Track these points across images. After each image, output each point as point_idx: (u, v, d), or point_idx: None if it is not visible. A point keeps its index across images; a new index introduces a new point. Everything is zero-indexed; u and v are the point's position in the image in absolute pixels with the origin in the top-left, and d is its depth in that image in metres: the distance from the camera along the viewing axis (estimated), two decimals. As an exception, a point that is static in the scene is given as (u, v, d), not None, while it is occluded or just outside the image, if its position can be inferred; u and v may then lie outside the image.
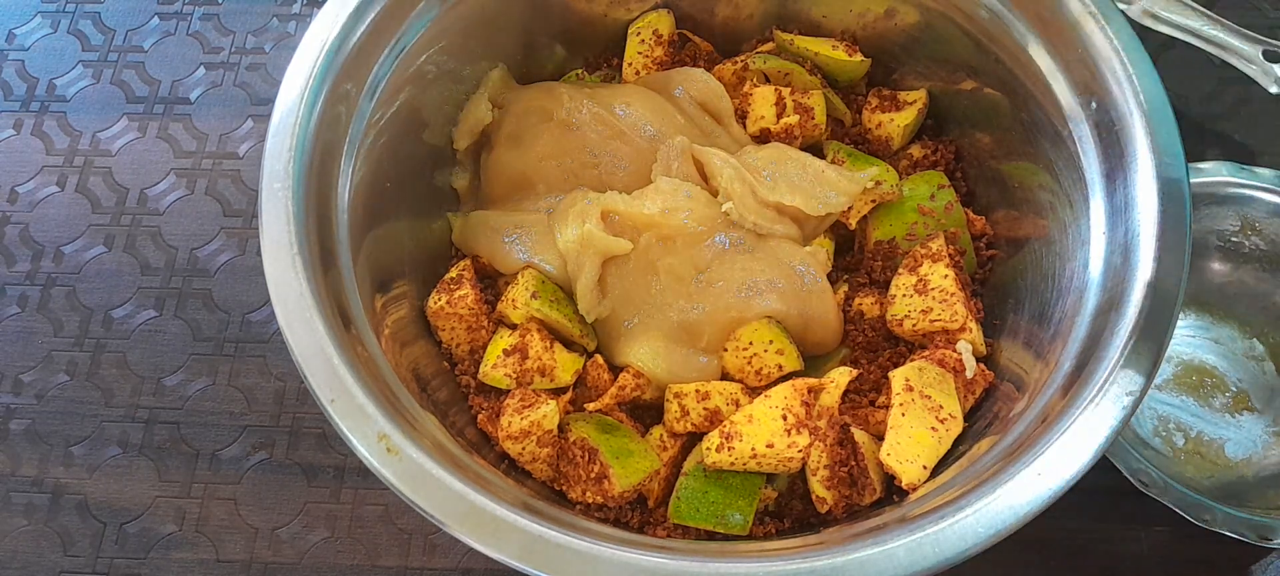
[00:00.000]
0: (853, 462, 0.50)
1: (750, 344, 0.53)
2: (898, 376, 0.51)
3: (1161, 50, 0.72)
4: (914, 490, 0.48)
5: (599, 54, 0.66)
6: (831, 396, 0.52)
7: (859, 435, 0.51)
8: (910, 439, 0.49)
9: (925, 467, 0.48)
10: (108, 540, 0.60)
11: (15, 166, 0.72)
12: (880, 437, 0.50)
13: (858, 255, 0.59)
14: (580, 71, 0.66)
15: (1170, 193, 0.45)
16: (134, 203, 0.70)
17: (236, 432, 0.63)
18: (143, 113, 0.74)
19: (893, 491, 0.50)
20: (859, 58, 0.62)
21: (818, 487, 0.50)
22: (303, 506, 0.60)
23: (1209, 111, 0.70)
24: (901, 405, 0.50)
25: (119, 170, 0.72)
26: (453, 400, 0.54)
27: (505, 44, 0.61)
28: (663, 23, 0.64)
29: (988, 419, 0.51)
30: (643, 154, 0.57)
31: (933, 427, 0.49)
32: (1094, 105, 0.49)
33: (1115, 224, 0.47)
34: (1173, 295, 0.43)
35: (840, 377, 0.52)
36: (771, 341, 0.53)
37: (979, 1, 0.55)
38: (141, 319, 0.66)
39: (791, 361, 0.53)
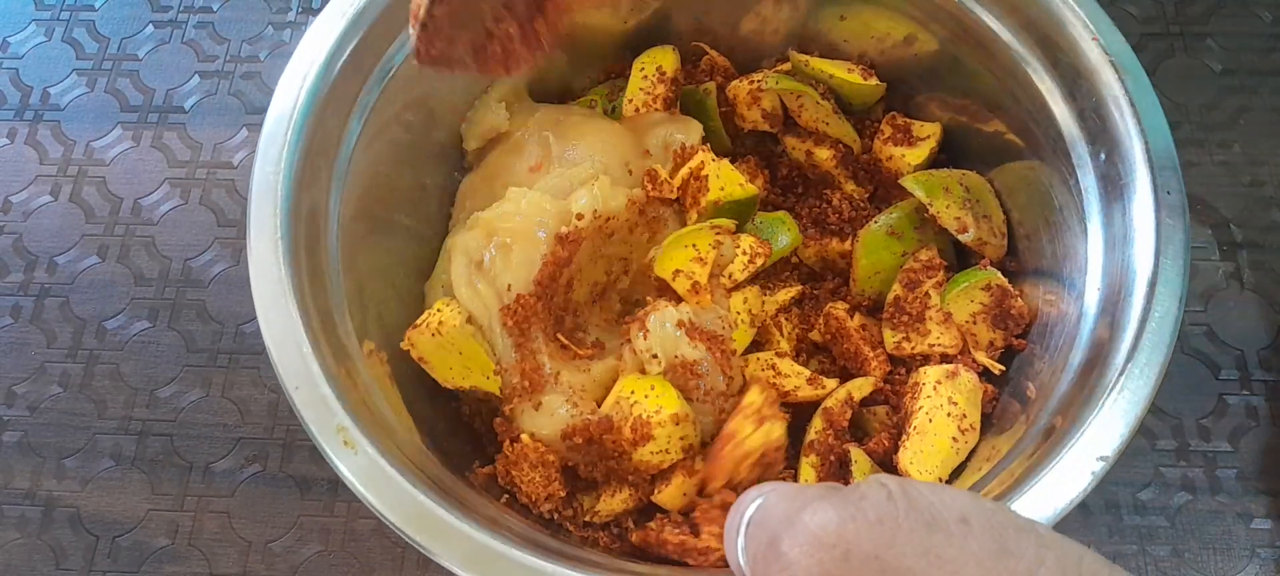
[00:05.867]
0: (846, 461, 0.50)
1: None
2: (929, 375, 0.51)
3: (1160, 60, 0.72)
4: None
5: (607, 64, 0.65)
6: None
7: (856, 454, 0.50)
8: (933, 448, 0.48)
9: (940, 480, 0.48)
10: (100, 553, 0.59)
11: (8, 176, 0.72)
12: (876, 455, 0.50)
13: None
14: (595, 99, 0.64)
15: (1169, 254, 0.45)
16: (128, 212, 0.70)
17: (230, 445, 0.62)
18: (137, 122, 0.73)
19: None
20: (874, 82, 0.61)
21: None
22: (296, 519, 0.60)
23: (1209, 121, 0.69)
24: (928, 411, 0.49)
25: (113, 180, 0.71)
26: (439, 414, 0.54)
27: None
28: (667, 59, 0.62)
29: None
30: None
31: (954, 438, 0.49)
32: (1102, 156, 0.49)
33: (1110, 279, 0.47)
34: (1158, 363, 0.42)
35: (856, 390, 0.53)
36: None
37: (997, 37, 0.54)
38: (135, 330, 0.66)
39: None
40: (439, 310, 0.52)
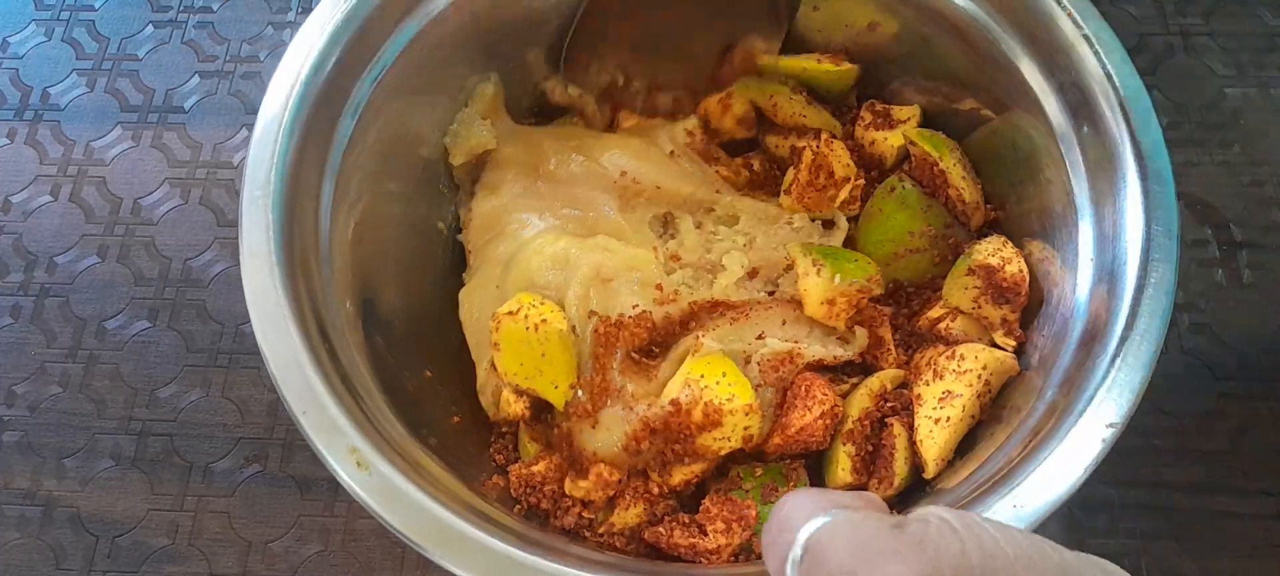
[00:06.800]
0: (881, 447, 0.51)
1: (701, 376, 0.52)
2: (938, 354, 0.51)
3: (1160, 60, 0.72)
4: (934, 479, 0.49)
5: None
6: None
7: (898, 429, 0.51)
8: (946, 425, 0.49)
9: (949, 461, 0.49)
10: (100, 553, 0.59)
11: (8, 176, 0.72)
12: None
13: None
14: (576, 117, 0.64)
15: (1158, 220, 0.45)
16: (127, 212, 0.70)
17: (230, 445, 0.62)
18: (137, 122, 0.73)
19: (916, 487, 0.51)
20: (846, 66, 0.61)
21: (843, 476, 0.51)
22: (296, 519, 0.60)
23: (1210, 121, 0.69)
24: (940, 390, 0.50)
25: (113, 180, 0.71)
26: (436, 419, 0.54)
27: (489, 63, 0.61)
28: None
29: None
30: (633, 199, 0.58)
31: (966, 415, 0.49)
32: (1085, 130, 0.49)
33: (1103, 250, 0.47)
34: (1157, 328, 0.43)
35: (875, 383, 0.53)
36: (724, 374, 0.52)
37: (973, 20, 0.54)
38: (135, 330, 0.66)
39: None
40: (538, 306, 0.52)
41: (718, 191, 0.59)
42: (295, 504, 0.60)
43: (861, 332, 0.54)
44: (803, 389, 0.51)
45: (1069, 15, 0.49)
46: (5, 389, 0.65)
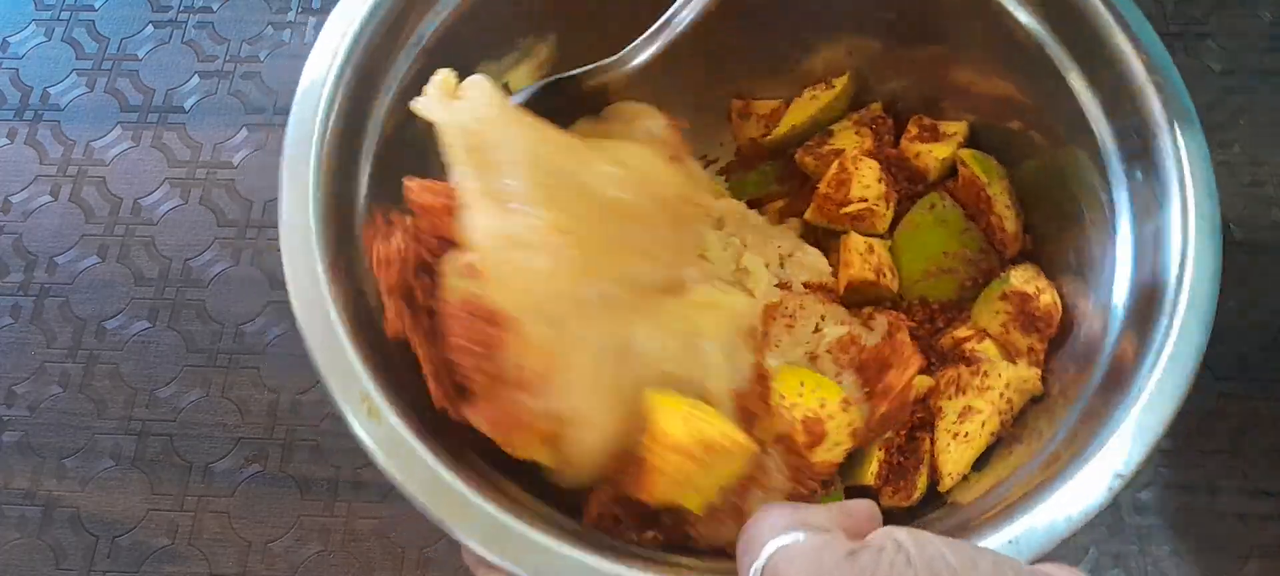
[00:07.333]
0: (908, 459, 0.50)
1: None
2: (961, 371, 0.51)
3: (1161, 59, 0.72)
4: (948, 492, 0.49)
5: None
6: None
7: (928, 443, 0.50)
8: (965, 443, 0.49)
9: (966, 477, 0.49)
10: (100, 553, 0.59)
11: (8, 176, 0.72)
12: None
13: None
14: None
15: (1201, 280, 0.43)
16: (127, 212, 0.70)
17: (230, 445, 0.62)
18: (136, 122, 0.73)
19: (930, 498, 0.50)
20: (838, 84, 0.60)
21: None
22: (296, 519, 0.60)
23: (1210, 121, 0.69)
24: (960, 406, 0.50)
25: (112, 180, 0.71)
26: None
27: (547, 26, 0.57)
28: None
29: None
30: (687, 221, 0.51)
31: (986, 432, 0.49)
32: (1139, 177, 0.47)
33: (1138, 298, 0.46)
34: (1181, 387, 0.42)
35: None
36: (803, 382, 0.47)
37: (1040, 46, 0.51)
38: (135, 330, 0.66)
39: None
40: (702, 415, 0.40)
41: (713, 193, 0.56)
42: (295, 504, 0.60)
43: (882, 320, 0.53)
44: (887, 350, 0.47)
45: (1142, 58, 0.47)
46: (5, 389, 0.65)
